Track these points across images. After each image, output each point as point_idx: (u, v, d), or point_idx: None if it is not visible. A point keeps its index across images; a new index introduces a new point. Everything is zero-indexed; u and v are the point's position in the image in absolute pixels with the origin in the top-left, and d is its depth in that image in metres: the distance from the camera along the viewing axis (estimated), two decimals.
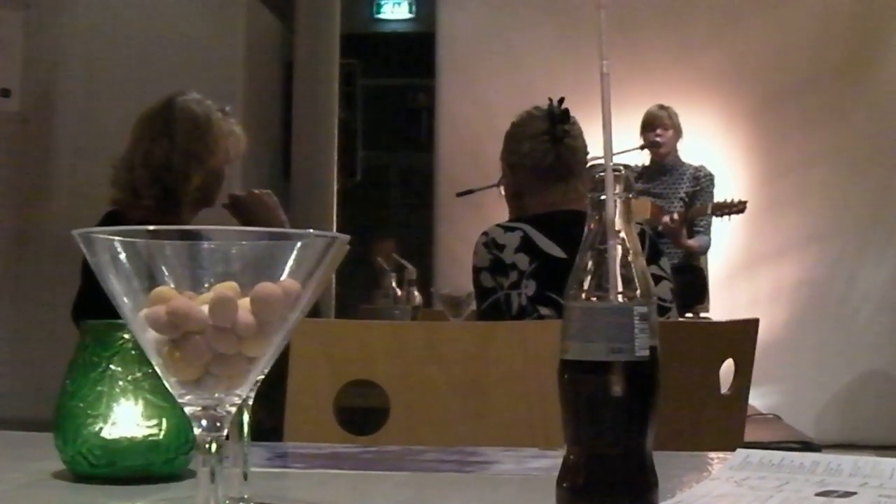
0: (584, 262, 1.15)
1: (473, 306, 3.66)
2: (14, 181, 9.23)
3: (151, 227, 0.88)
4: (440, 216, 9.20)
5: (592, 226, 1.15)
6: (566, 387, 1.14)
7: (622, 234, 1.14)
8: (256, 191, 3.73)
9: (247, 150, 3.82)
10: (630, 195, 1.15)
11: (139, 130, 3.55)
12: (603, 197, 1.15)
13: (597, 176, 1.15)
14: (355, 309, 5.17)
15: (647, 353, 1.12)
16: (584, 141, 3.40)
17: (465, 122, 9.09)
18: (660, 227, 6.92)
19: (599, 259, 1.14)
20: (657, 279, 3.22)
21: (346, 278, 7.00)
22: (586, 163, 3.42)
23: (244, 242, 0.91)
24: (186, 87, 3.88)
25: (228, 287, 0.87)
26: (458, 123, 9.23)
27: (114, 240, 0.87)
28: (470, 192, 6.40)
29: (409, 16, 11.88)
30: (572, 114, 3.40)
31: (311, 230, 0.89)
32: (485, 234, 3.25)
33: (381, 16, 11.96)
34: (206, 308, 0.85)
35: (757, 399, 5.97)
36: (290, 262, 0.88)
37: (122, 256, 0.87)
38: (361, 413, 2.42)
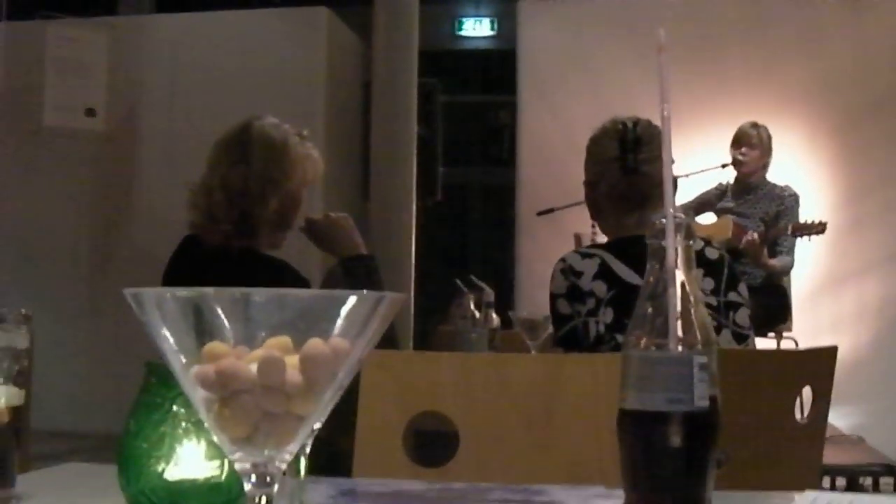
0: (643, 310, 1.13)
1: (551, 330, 3.63)
2: (98, 199, 9.36)
3: (210, 289, 0.87)
4: (521, 234, 9.18)
5: (653, 274, 1.14)
6: (624, 436, 1.13)
7: (683, 282, 1.13)
8: (333, 214, 3.74)
9: (326, 171, 3.83)
10: (691, 242, 1.14)
11: (216, 155, 3.56)
12: (664, 244, 1.13)
13: (657, 223, 1.14)
14: (433, 330, 5.18)
15: (706, 403, 1.10)
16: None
17: (546, 140, 9.07)
18: (741, 246, 6.86)
19: (659, 307, 1.12)
20: (736, 306, 3.18)
21: (426, 298, 7.01)
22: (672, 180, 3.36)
23: (295, 299, 0.90)
24: (268, 107, 3.90)
25: (280, 343, 0.86)
26: (539, 141, 9.22)
27: (164, 297, 0.87)
28: (551, 210, 6.39)
29: (490, 33, 11.89)
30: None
31: (364, 290, 0.89)
32: (562, 260, 3.21)
33: (462, 33, 11.97)
34: (254, 367, 0.85)
35: (840, 420, 5.90)
36: (341, 319, 0.88)
37: (173, 314, 0.87)
38: (434, 437, 2.42)
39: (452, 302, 4.80)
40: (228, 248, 3.47)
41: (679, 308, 1.12)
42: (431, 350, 5.01)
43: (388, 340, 3.35)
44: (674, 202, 1.14)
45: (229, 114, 3.86)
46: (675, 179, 3.39)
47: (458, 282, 4.80)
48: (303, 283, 3.42)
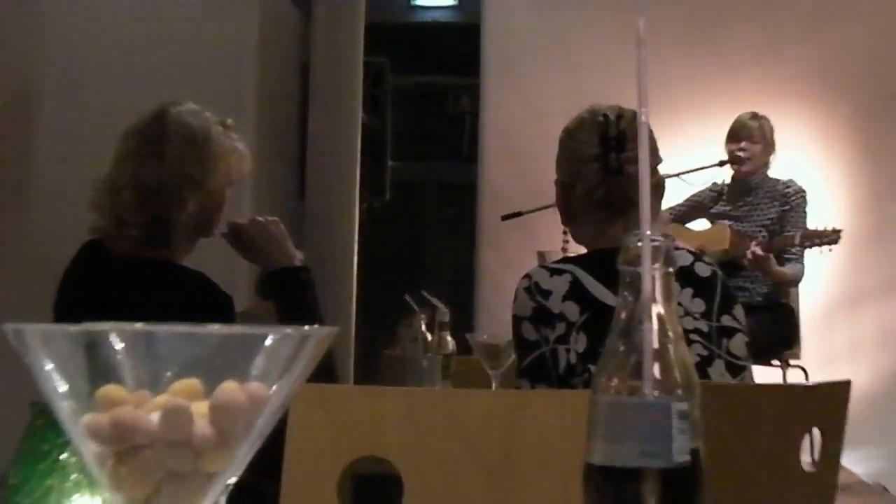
0: (614, 348, 1.14)
1: (514, 356, 3.62)
2: None
3: (107, 324, 0.87)
4: (483, 242, 9.16)
5: (626, 306, 1.14)
6: (591, 494, 1.13)
7: (661, 315, 1.13)
8: (261, 218, 3.73)
9: (255, 167, 3.82)
10: (670, 269, 1.15)
11: (125, 147, 3.54)
12: (639, 271, 1.14)
13: (632, 247, 1.14)
14: (377, 355, 5.16)
15: (687, 457, 1.11)
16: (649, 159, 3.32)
17: (514, 131, 9.06)
18: (747, 264, 6.84)
19: (632, 345, 1.13)
20: (730, 332, 3.19)
21: (369, 317, 6.99)
22: (657, 183, 3.35)
23: (206, 336, 0.90)
24: (188, 90, 3.89)
25: (188, 388, 0.86)
26: (506, 132, 9.20)
27: (52, 333, 0.87)
28: (518, 214, 6.36)
29: (450, 3, 11.83)
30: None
31: (288, 328, 0.89)
32: (527, 276, 3.17)
33: (417, 3, 11.89)
34: (157, 416, 0.85)
35: (858, 465, 5.93)
36: (260, 360, 0.88)
37: (61, 352, 0.87)
38: (374, 485, 2.42)
39: (401, 322, 4.80)
40: (138, 258, 3.46)
41: (656, 346, 1.12)
42: (376, 379, 5.01)
43: (324, 370, 3.35)
44: (649, 219, 1.15)
45: (142, 98, 3.85)
46: (662, 182, 3.39)
47: (408, 298, 4.80)
48: (224, 300, 3.41)
